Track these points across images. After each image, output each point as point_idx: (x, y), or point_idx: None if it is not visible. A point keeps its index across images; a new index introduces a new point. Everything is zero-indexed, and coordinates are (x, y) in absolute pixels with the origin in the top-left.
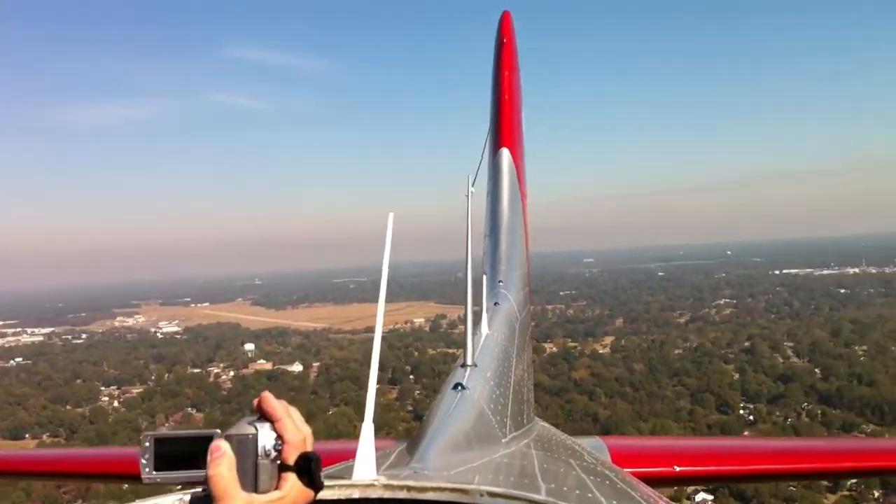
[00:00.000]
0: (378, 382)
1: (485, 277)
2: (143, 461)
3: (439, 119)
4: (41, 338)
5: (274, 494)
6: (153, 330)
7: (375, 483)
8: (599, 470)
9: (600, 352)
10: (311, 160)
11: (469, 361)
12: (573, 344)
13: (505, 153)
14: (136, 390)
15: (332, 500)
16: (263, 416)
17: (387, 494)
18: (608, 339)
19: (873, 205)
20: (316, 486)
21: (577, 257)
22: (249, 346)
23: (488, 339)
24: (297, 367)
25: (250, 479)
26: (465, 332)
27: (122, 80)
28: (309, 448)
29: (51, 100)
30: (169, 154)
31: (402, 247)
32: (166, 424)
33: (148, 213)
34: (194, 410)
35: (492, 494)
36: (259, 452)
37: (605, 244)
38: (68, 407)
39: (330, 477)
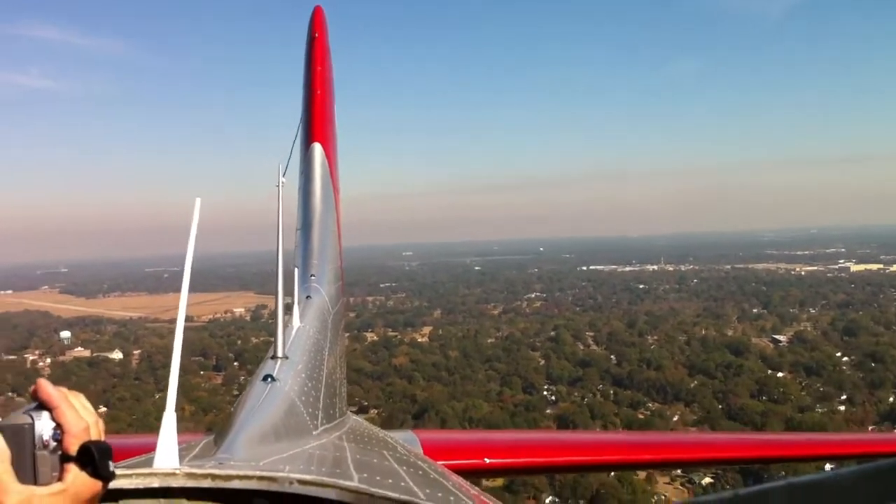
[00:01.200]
0: (202, 369)
1: (296, 271)
2: None
3: (251, 109)
4: None
5: (55, 486)
6: None
7: (177, 472)
8: (412, 461)
9: (419, 340)
10: (112, 145)
11: (280, 353)
12: (393, 333)
13: (317, 148)
14: None
15: (133, 490)
16: (41, 404)
17: (189, 483)
18: (426, 329)
19: (674, 206)
20: (102, 476)
21: (396, 250)
22: (66, 334)
23: (300, 331)
24: (117, 355)
25: (29, 472)
26: (275, 324)
27: None
28: (95, 437)
29: None
30: None
31: (220, 237)
32: None
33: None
34: (15, 395)
35: (302, 482)
36: (36, 443)
37: (423, 238)
38: None
39: (128, 467)
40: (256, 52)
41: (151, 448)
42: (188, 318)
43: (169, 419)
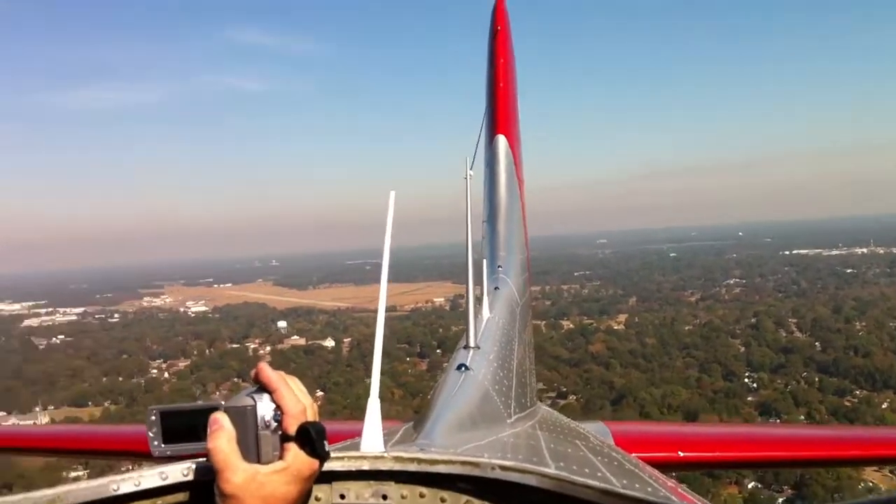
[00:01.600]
0: (407, 356)
1: (484, 262)
2: (151, 435)
3: (439, 102)
4: (74, 317)
5: (277, 465)
6: (182, 309)
7: (385, 455)
8: (606, 451)
9: (615, 328)
10: (311, 143)
11: (472, 343)
12: (589, 321)
13: (501, 140)
14: (183, 364)
15: (344, 471)
16: (262, 387)
17: (397, 467)
18: (622, 317)
19: (883, 185)
20: (319, 455)
21: (590, 239)
22: (282, 324)
23: (490, 322)
24: (329, 343)
25: (252, 451)
26: (466, 315)
27: (130, 65)
28: (310, 418)
29: (50, 86)
30: (169, 138)
31: (417, 229)
32: (217, 393)
33: (155, 197)
34: (240, 380)
35: (503, 468)
36: (259, 423)
37: (617, 226)
38: (121, 378)
39: (337, 450)
40: (444, 47)
41: (355, 433)
42: (391, 308)
43: (373, 405)
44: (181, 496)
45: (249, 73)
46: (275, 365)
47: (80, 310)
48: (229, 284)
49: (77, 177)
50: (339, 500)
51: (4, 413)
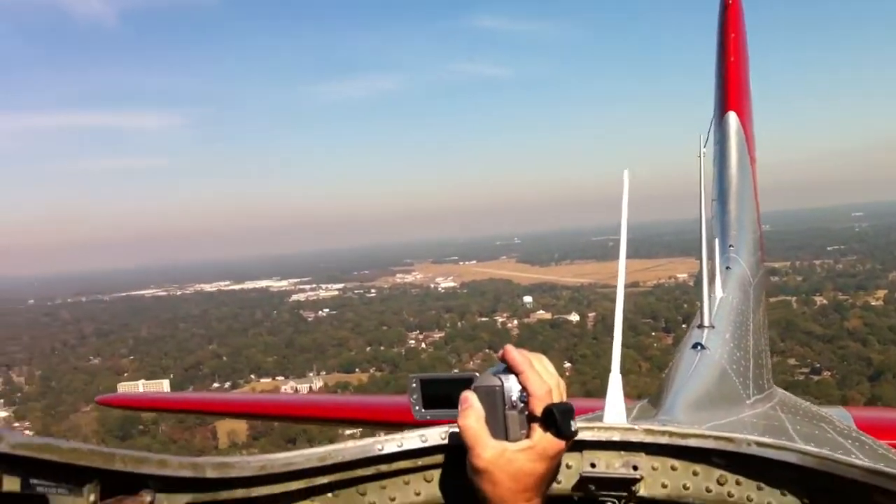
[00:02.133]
0: (652, 331)
1: (716, 241)
2: (413, 400)
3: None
4: (336, 292)
5: (524, 443)
6: (432, 285)
7: (636, 427)
8: (854, 436)
9: (872, 304)
10: (549, 124)
11: (706, 322)
12: (844, 297)
13: (732, 117)
14: (437, 335)
15: (594, 441)
16: (508, 368)
17: (647, 439)
18: (881, 293)
19: None
20: (565, 435)
21: (843, 212)
22: (527, 299)
23: (723, 301)
24: (574, 317)
25: (500, 429)
26: (700, 294)
27: (381, 55)
28: (557, 399)
29: (317, 78)
30: (410, 124)
31: (653, 205)
32: (470, 362)
33: (408, 179)
34: (491, 351)
35: (760, 444)
36: (506, 403)
37: (875, 198)
38: (382, 348)
39: (585, 420)
40: (673, 26)
41: (597, 408)
42: (633, 284)
43: (615, 380)
44: (438, 458)
45: (488, 59)
46: (522, 338)
47: (339, 286)
48: (474, 262)
49: (327, 164)
50: (590, 468)
51: (282, 377)
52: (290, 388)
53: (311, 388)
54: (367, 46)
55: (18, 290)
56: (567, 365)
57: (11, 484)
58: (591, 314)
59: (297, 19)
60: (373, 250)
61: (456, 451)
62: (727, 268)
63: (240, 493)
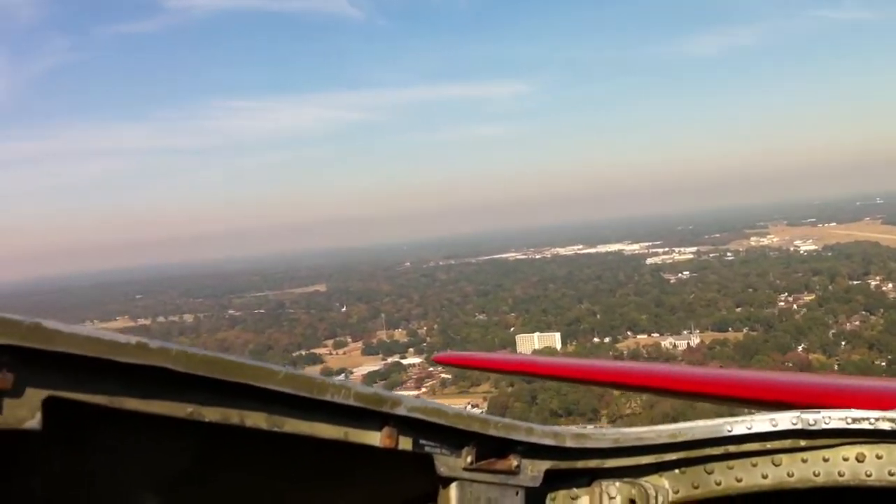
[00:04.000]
0: None
1: None
2: None
3: None
4: (690, 255)
5: None
6: (791, 248)
7: None
8: None
9: None
10: None
11: None
12: None
13: None
14: (807, 297)
15: None
16: None
17: None
18: None
19: None
20: None
21: None
22: None
23: None
24: None
25: None
26: None
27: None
28: None
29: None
30: (771, 78)
31: None
32: (847, 324)
33: (763, 139)
34: (868, 313)
35: None
36: None
37: None
38: (752, 308)
39: None
40: None
41: None
42: None
43: None
44: (787, 442)
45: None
46: None
47: (693, 249)
48: (833, 224)
49: (668, 126)
50: None
51: (658, 335)
52: (669, 344)
53: (688, 344)
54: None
55: (395, 253)
56: None
57: (405, 443)
58: None
59: None
60: (722, 213)
61: (803, 436)
62: None
63: (594, 463)
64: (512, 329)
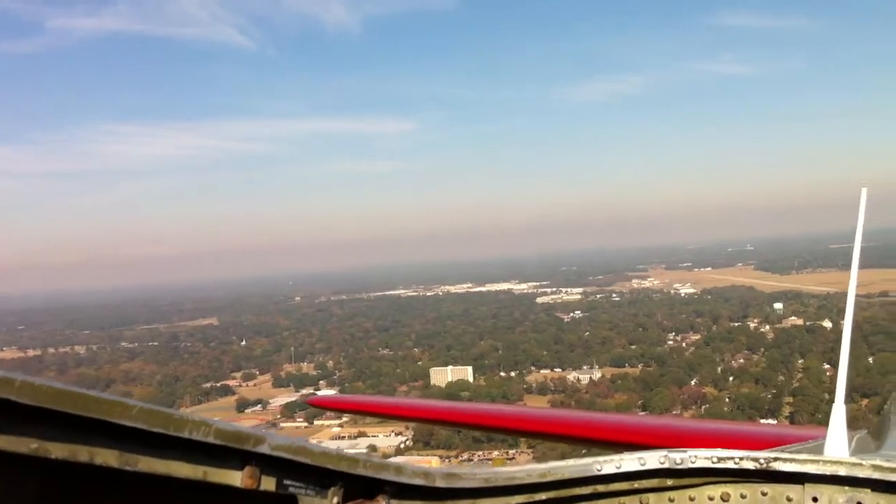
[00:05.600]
0: None
1: None
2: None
3: None
4: (578, 296)
5: None
6: (672, 291)
7: (863, 463)
8: None
9: None
10: (791, 126)
11: None
12: None
13: None
14: (694, 336)
15: (815, 475)
16: None
17: (875, 475)
18: None
19: None
20: None
21: None
22: (778, 305)
23: None
24: (827, 324)
25: None
26: None
27: (612, 58)
28: None
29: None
30: (651, 125)
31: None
32: (733, 362)
33: (627, 185)
34: (749, 352)
35: None
36: None
37: None
38: (645, 346)
39: (807, 450)
40: None
41: (815, 435)
42: (884, 294)
43: (839, 410)
44: (655, 482)
45: (731, 57)
46: (779, 341)
47: (580, 289)
48: (709, 268)
49: (548, 169)
50: (811, 503)
51: (560, 369)
52: (574, 378)
53: (591, 378)
54: (604, 47)
55: (282, 286)
56: (826, 366)
57: (268, 483)
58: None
59: (538, 21)
60: (602, 255)
61: (671, 475)
62: None
63: (465, 503)
64: (420, 363)
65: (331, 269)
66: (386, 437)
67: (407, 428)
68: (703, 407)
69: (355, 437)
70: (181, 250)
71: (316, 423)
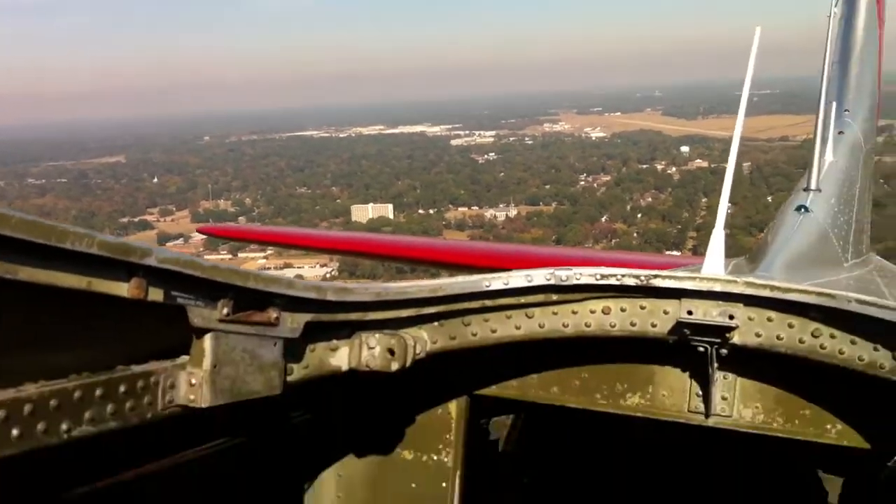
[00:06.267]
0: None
1: (833, 105)
2: None
3: None
4: (491, 139)
5: None
6: (583, 135)
7: (738, 280)
8: None
9: None
10: None
11: (813, 186)
12: None
13: None
14: (605, 178)
15: (692, 290)
16: None
17: (748, 291)
18: None
19: None
20: None
21: None
22: (685, 148)
23: (832, 166)
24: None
25: None
26: (811, 157)
27: None
28: None
29: None
30: None
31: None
32: (641, 201)
33: (541, 27)
34: (657, 192)
35: (860, 301)
36: None
37: None
38: (559, 186)
39: (689, 270)
40: None
41: (697, 262)
42: (783, 138)
43: (718, 235)
44: (541, 297)
45: None
46: (685, 181)
47: (492, 132)
48: (618, 113)
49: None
50: (686, 315)
51: (478, 207)
52: (491, 216)
53: (507, 215)
54: None
55: (190, 126)
56: (728, 203)
57: (156, 294)
58: (746, 164)
59: None
60: (513, 99)
61: (556, 291)
62: (840, 132)
63: (355, 315)
64: (339, 200)
65: (238, 108)
66: (311, 269)
67: (331, 259)
68: (614, 241)
69: (281, 269)
70: (79, 88)
71: (240, 255)
